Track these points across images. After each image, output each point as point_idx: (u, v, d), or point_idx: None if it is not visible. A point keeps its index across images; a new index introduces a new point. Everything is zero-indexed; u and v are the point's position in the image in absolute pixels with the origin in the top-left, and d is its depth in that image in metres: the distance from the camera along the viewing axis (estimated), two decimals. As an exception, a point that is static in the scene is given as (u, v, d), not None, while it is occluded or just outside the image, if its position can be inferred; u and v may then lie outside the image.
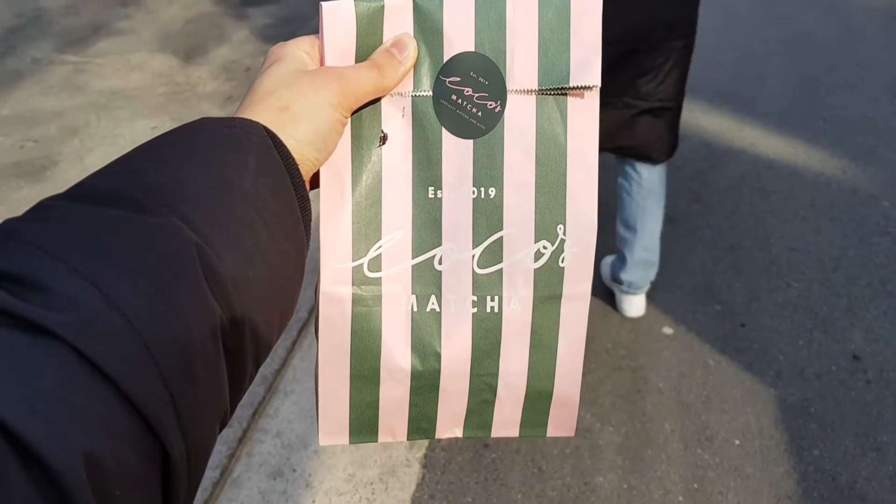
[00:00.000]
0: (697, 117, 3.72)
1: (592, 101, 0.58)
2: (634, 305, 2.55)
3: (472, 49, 0.57)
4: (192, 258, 0.40)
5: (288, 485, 1.97)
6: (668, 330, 2.49)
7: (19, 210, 0.41)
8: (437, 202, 0.58)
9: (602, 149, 2.17)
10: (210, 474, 1.97)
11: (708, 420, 2.19)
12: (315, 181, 0.57)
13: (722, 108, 3.80)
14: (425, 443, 2.09)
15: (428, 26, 0.57)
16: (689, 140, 3.53)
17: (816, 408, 2.23)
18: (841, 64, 4.30)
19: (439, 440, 2.10)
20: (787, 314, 2.56)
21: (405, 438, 0.62)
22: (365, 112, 0.57)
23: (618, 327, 2.49)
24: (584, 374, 2.29)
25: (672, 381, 2.31)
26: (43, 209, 0.40)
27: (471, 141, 0.58)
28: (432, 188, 0.58)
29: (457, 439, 2.10)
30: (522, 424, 0.63)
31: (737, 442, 2.12)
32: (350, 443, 0.61)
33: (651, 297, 2.60)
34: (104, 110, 3.53)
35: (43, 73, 3.84)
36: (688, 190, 3.18)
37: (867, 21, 4.89)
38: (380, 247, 0.58)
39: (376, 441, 0.62)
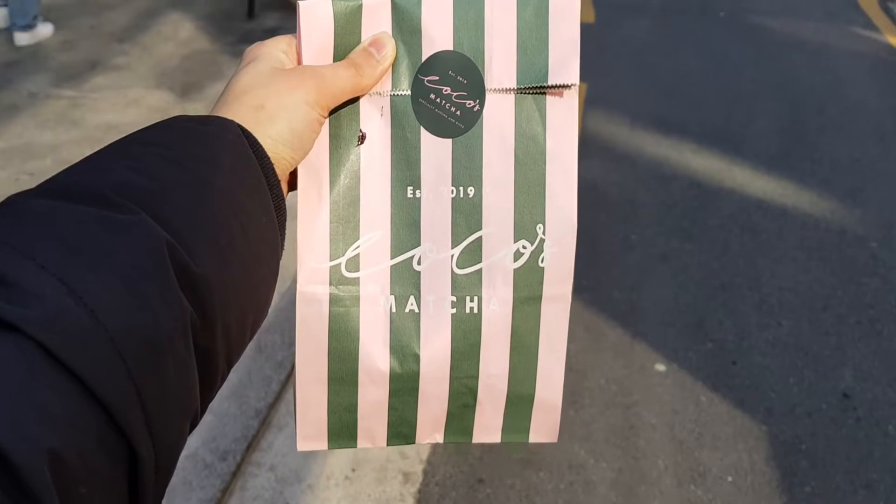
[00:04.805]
0: (688, 157, 3.76)
1: (571, 99, 0.58)
2: (23, 39, 4.52)
3: (451, 48, 0.57)
4: (162, 255, 0.39)
5: (281, 519, 1.97)
6: (660, 367, 2.50)
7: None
8: (416, 202, 0.58)
9: None
10: (203, 508, 1.96)
11: (701, 456, 2.19)
12: (292, 182, 0.57)
13: (712, 148, 3.85)
14: (419, 478, 2.09)
15: (406, 25, 0.57)
16: (679, 179, 3.57)
17: (807, 445, 2.24)
18: (829, 106, 4.36)
19: (434, 475, 2.10)
20: (777, 352, 2.57)
21: (385, 444, 0.61)
22: (343, 111, 0.57)
23: (611, 363, 2.50)
24: (577, 411, 2.30)
25: (665, 418, 2.32)
26: (11, 205, 0.39)
27: (449, 140, 0.58)
28: (411, 188, 0.58)
29: (451, 474, 2.10)
30: (504, 430, 0.62)
31: (729, 478, 2.13)
32: (329, 448, 0.60)
33: (643, 334, 2.62)
34: (100, 144, 3.48)
35: (39, 107, 3.86)
36: (679, 228, 3.21)
37: (853, 66, 4.97)
38: (358, 247, 0.57)
39: (355, 447, 0.60)
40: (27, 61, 4.35)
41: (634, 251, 3.07)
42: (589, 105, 4.24)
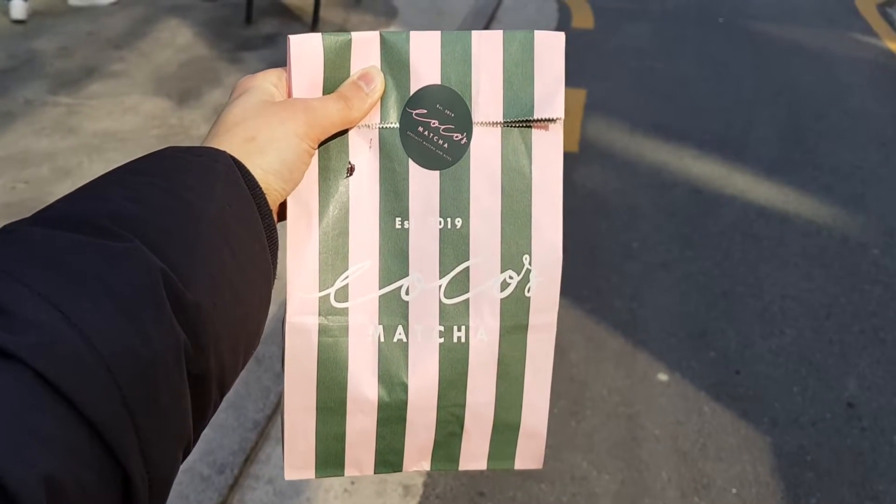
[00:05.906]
0: (688, 164, 3.75)
1: (556, 133, 0.59)
2: (17, 9, 4.65)
3: (439, 82, 0.58)
4: (156, 283, 0.40)
5: (280, 533, 1.94)
6: (662, 377, 2.48)
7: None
8: (404, 233, 0.59)
9: None
10: (200, 522, 1.94)
11: (704, 468, 2.17)
12: (282, 212, 0.57)
13: (712, 155, 3.84)
14: (420, 491, 2.06)
15: (395, 59, 0.58)
16: (680, 186, 3.56)
17: (812, 456, 2.22)
18: (829, 113, 4.36)
19: (434, 487, 2.07)
20: (780, 361, 2.55)
21: (372, 472, 0.61)
22: (332, 144, 0.58)
23: (612, 373, 2.48)
24: (579, 422, 2.28)
25: (668, 429, 2.30)
26: (7, 233, 0.40)
27: (437, 172, 0.59)
28: (399, 219, 0.59)
29: (452, 487, 2.07)
30: (490, 457, 0.63)
31: (734, 490, 2.11)
32: (316, 477, 0.61)
33: (645, 343, 2.60)
34: (97, 152, 3.52)
35: (35, 114, 3.84)
36: (680, 235, 3.19)
37: (852, 72, 4.97)
38: (347, 277, 0.58)
39: (343, 475, 0.61)
40: (23, 68, 4.33)
41: (635, 259, 3.05)
42: (588, 111, 4.22)
